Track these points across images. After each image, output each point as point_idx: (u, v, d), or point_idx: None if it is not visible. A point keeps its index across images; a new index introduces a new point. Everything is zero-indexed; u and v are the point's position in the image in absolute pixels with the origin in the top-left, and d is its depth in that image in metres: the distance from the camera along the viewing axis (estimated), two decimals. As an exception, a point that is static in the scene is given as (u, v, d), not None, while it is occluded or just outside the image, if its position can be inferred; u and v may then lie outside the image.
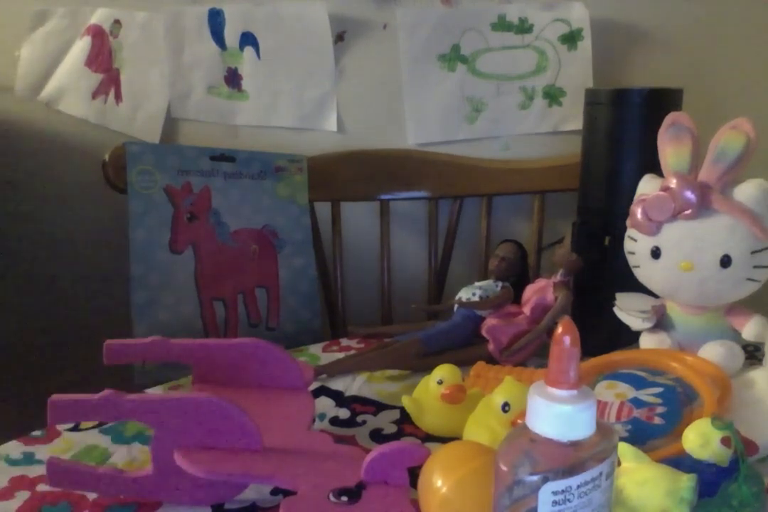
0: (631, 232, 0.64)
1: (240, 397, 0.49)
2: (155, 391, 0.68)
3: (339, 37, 0.97)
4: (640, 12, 0.94)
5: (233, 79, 1.02)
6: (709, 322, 0.63)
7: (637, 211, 0.62)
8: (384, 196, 0.99)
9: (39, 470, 0.53)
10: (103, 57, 1.05)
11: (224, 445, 0.47)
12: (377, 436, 0.60)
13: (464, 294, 0.78)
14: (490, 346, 0.72)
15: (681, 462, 0.44)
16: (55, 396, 0.46)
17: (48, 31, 1.07)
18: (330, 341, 0.82)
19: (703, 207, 0.58)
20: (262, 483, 0.50)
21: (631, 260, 0.65)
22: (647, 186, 0.63)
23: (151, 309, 0.85)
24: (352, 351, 0.77)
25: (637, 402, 0.54)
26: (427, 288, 1.03)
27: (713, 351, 0.61)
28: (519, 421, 0.51)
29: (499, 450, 0.34)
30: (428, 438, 0.59)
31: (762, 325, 0.60)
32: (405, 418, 0.62)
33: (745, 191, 0.58)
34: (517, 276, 0.81)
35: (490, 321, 0.73)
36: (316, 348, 0.80)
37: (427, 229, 1.02)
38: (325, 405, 0.65)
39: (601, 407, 0.54)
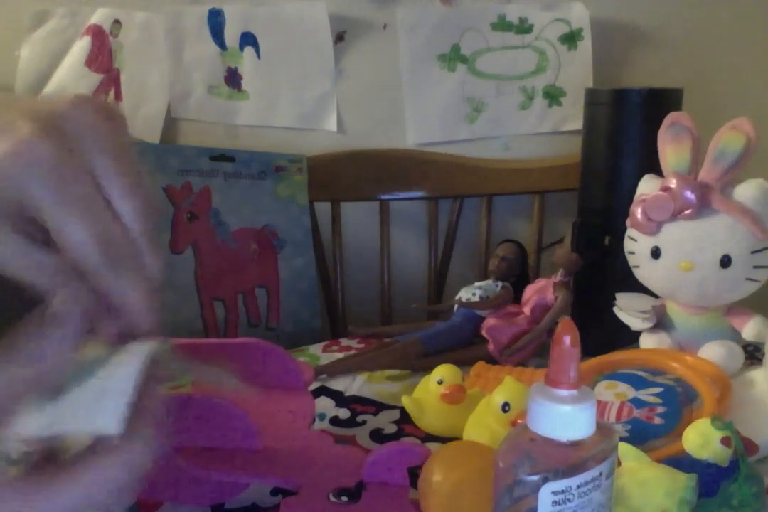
0: (631, 232, 0.64)
1: (240, 397, 0.49)
2: (155, 391, 0.68)
3: (339, 37, 0.97)
4: (640, 12, 0.94)
5: (233, 79, 1.02)
6: (709, 322, 0.63)
7: (637, 211, 0.62)
8: (384, 196, 0.99)
9: (39, 470, 0.53)
10: (103, 57, 1.05)
11: (224, 445, 0.47)
12: (377, 436, 0.60)
13: (464, 294, 0.78)
14: (490, 346, 0.72)
15: (681, 462, 0.44)
16: (55, 396, 0.46)
17: (48, 31, 1.07)
18: (330, 341, 0.82)
19: (703, 207, 0.58)
20: (262, 483, 0.50)
21: (631, 260, 0.65)
22: (647, 186, 0.63)
23: (151, 309, 0.84)
24: (352, 351, 0.77)
25: (637, 402, 0.54)
26: (427, 288, 1.03)
27: (713, 351, 0.61)
28: (519, 421, 0.51)
29: (499, 450, 0.34)
30: (428, 438, 0.59)
31: (762, 325, 0.60)
32: (405, 418, 0.62)
33: (745, 191, 0.58)
34: (517, 276, 0.81)
35: (490, 321, 0.73)
36: (316, 348, 0.80)
37: (427, 229, 1.02)
38: (325, 405, 0.65)
39: (601, 407, 0.54)
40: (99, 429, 0.30)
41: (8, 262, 0.29)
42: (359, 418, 0.63)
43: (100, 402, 0.30)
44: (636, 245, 0.64)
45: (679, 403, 0.54)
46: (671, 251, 0.61)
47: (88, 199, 0.29)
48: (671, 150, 0.61)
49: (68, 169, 0.29)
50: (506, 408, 0.53)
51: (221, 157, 0.89)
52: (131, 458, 0.29)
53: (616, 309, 0.66)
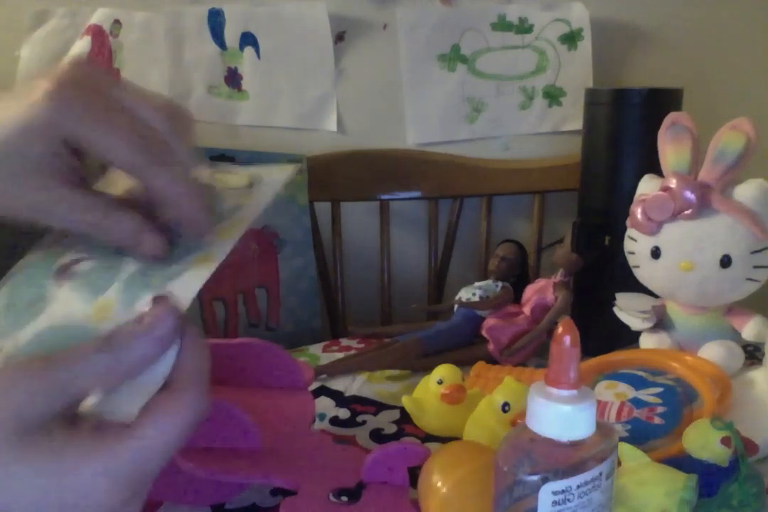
0: (631, 232, 0.64)
1: (240, 397, 0.49)
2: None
3: (339, 37, 0.97)
4: (640, 12, 0.94)
5: (233, 79, 1.02)
6: (709, 322, 0.63)
7: (637, 211, 0.62)
8: (384, 196, 0.99)
9: (39, 470, 0.53)
10: (103, 57, 1.05)
11: (224, 445, 0.47)
12: (377, 436, 0.60)
13: (464, 294, 0.78)
14: (490, 346, 0.72)
15: (681, 462, 0.44)
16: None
17: (48, 31, 1.07)
18: (330, 341, 0.82)
19: (703, 207, 0.58)
20: (262, 483, 0.50)
21: (631, 260, 0.65)
22: (647, 186, 0.63)
23: (151, 309, 0.84)
24: (352, 351, 0.77)
25: (637, 402, 0.54)
26: (427, 288, 1.03)
27: (713, 351, 0.61)
28: (519, 421, 0.51)
29: (499, 450, 0.34)
30: (428, 438, 0.59)
31: (762, 325, 0.60)
32: (405, 418, 0.62)
33: (745, 191, 0.58)
34: (517, 276, 0.81)
35: (490, 321, 0.73)
36: (316, 348, 0.80)
37: (427, 229, 1.02)
38: (325, 405, 0.65)
39: (601, 407, 0.54)
40: (115, 415, 0.30)
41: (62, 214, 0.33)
42: (359, 418, 0.63)
43: (125, 393, 0.31)
44: (636, 245, 0.64)
45: (679, 403, 0.54)
46: (671, 251, 0.61)
47: (116, 117, 0.33)
48: (671, 150, 0.61)
49: (92, 96, 0.33)
50: (506, 408, 0.53)
51: (221, 157, 0.89)
52: (190, 405, 0.31)
53: (616, 309, 0.66)
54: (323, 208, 0.98)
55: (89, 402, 0.30)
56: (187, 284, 0.34)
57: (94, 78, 0.34)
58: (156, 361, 0.31)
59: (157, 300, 0.33)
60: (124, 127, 0.33)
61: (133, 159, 0.33)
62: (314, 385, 0.68)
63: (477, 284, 0.79)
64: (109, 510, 0.29)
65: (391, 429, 0.61)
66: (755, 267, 0.59)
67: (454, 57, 0.96)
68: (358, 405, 0.65)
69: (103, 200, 0.34)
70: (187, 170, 0.35)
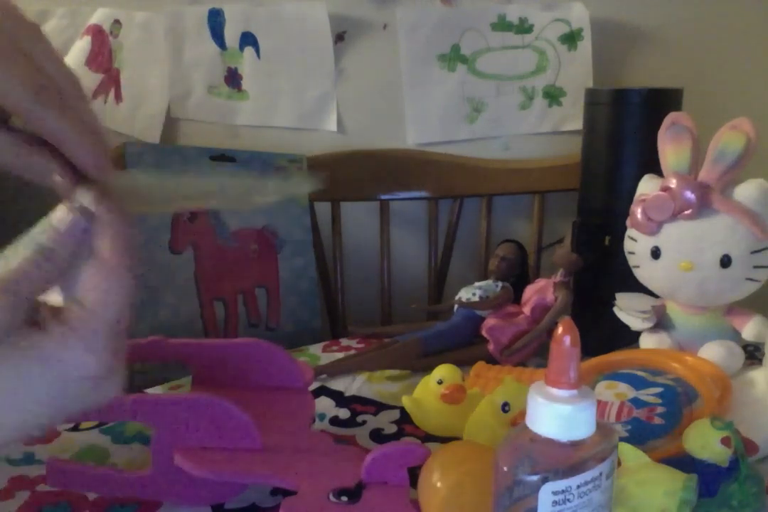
0: (631, 232, 0.64)
1: (240, 397, 0.49)
2: (155, 391, 0.68)
3: (339, 37, 0.97)
4: (640, 12, 0.94)
5: (233, 79, 1.02)
6: (709, 322, 0.63)
7: (637, 211, 0.62)
8: (384, 196, 0.99)
9: (39, 470, 0.53)
10: (103, 57, 1.05)
11: (224, 445, 0.47)
12: (377, 436, 0.60)
13: (464, 294, 0.78)
14: (490, 346, 0.72)
15: (681, 462, 0.44)
16: (55, 396, 0.46)
17: (48, 31, 1.06)
18: (330, 341, 0.82)
19: (703, 207, 0.58)
20: (262, 483, 0.50)
21: (631, 260, 0.65)
22: (647, 186, 0.63)
23: (151, 309, 0.85)
24: (352, 351, 0.77)
25: (637, 402, 0.54)
26: (427, 288, 1.03)
27: (713, 351, 0.61)
28: (519, 421, 0.51)
29: (499, 450, 0.34)
30: (428, 438, 0.59)
31: (762, 325, 0.60)
32: (405, 418, 0.62)
33: (745, 191, 0.58)
34: (517, 276, 0.81)
35: (490, 321, 0.73)
36: (316, 348, 0.80)
37: (427, 229, 1.02)
38: (325, 405, 0.65)
39: (601, 407, 0.54)
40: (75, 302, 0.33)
41: None
42: (359, 418, 0.63)
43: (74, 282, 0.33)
44: (636, 245, 0.64)
45: (679, 403, 0.54)
46: (671, 251, 0.61)
47: (18, 61, 0.33)
48: (671, 150, 0.61)
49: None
50: (506, 408, 0.53)
51: (221, 157, 0.89)
52: (127, 268, 0.33)
53: (616, 309, 0.66)
54: (323, 208, 0.98)
55: (50, 299, 0.33)
56: None
57: (12, 25, 0.34)
58: (77, 249, 0.33)
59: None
60: (23, 72, 0.33)
61: (25, 100, 0.33)
62: (314, 385, 0.68)
63: (477, 284, 0.79)
64: (100, 376, 0.32)
65: (391, 429, 0.61)
66: (755, 267, 0.59)
67: (454, 57, 0.96)
68: (358, 405, 0.65)
69: (25, 136, 0.34)
70: (84, 120, 0.35)
